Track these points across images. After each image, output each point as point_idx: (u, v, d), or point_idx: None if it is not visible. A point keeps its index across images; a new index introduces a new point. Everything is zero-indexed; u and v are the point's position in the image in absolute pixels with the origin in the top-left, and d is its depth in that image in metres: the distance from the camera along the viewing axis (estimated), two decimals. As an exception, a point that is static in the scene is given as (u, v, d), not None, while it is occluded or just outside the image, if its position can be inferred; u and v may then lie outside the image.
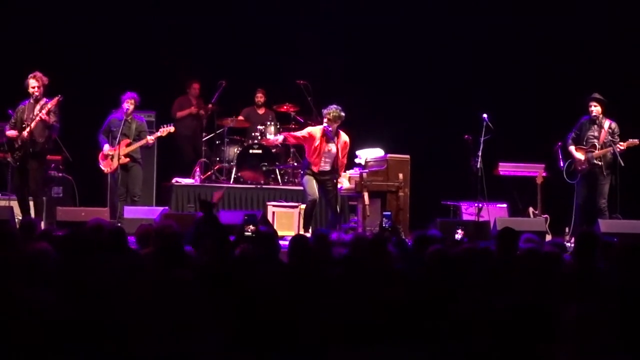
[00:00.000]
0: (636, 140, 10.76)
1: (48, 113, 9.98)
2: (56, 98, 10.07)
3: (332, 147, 10.28)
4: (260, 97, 13.43)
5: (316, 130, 10.34)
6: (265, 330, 4.12)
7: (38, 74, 10.12)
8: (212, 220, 5.81)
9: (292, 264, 5.57)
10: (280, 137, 10.90)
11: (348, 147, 10.50)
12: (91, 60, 13.02)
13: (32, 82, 10.08)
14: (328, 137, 10.25)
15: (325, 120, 10.24)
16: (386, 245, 5.98)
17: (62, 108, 10.21)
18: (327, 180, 10.33)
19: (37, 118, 10.00)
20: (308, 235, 9.91)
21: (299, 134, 10.59)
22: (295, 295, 4.51)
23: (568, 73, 13.17)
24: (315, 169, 10.28)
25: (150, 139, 10.95)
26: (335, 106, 10.25)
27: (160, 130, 11.20)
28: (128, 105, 10.86)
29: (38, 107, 10.09)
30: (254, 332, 4.13)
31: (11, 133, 10.14)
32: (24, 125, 10.07)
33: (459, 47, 13.77)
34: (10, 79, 10.88)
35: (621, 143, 10.74)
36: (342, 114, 10.22)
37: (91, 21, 13.12)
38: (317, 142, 10.26)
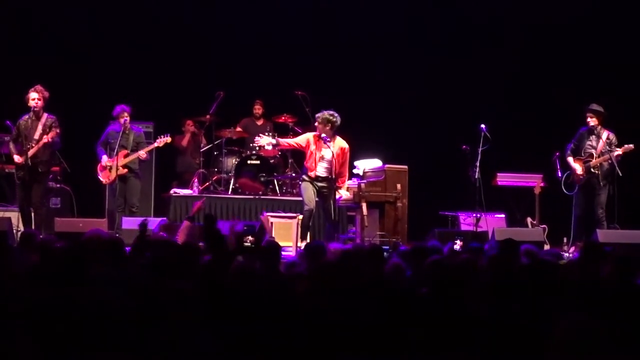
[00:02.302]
0: (631, 146, 10.80)
1: (52, 136, 10.07)
2: (55, 131, 10.08)
3: (327, 152, 10.25)
4: (258, 109, 13.47)
5: (311, 136, 10.39)
6: (267, 339, 4.12)
7: (39, 87, 10.13)
8: (213, 234, 5.78)
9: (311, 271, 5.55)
10: (273, 141, 10.86)
11: (346, 155, 10.42)
12: (89, 71, 13.04)
13: (33, 95, 10.11)
14: (322, 141, 10.25)
15: (316, 124, 10.29)
16: (383, 255, 5.99)
17: (61, 123, 10.24)
18: (323, 187, 10.33)
19: (42, 142, 10.06)
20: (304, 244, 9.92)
21: (293, 140, 10.67)
22: (301, 303, 4.52)
23: (566, 83, 13.21)
24: (312, 174, 10.29)
25: (142, 153, 10.93)
26: (327, 111, 10.24)
27: (157, 141, 11.21)
28: (124, 118, 10.88)
29: (40, 125, 10.12)
30: (254, 341, 4.13)
31: (18, 159, 10.16)
32: (28, 146, 10.10)
33: (457, 57, 13.79)
34: (8, 92, 10.89)
35: (617, 150, 10.78)
36: (333, 118, 10.16)
37: (89, 32, 13.15)
38: (313, 147, 10.29)
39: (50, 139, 10.02)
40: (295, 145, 10.55)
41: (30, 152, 10.06)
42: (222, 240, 5.76)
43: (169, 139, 11.26)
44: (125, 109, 10.90)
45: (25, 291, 4.56)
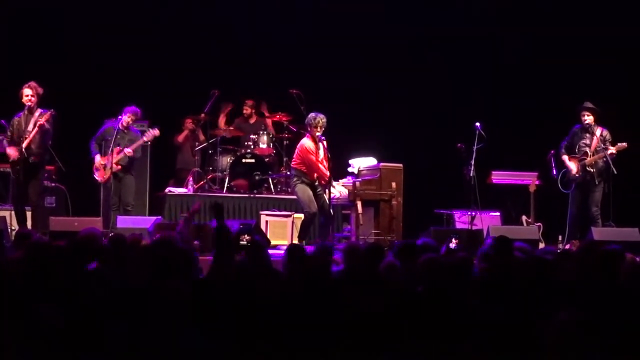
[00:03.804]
0: (625, 144, 10.82)
1: (45, 121, 10.06)
2: (49, 112, 10.09)
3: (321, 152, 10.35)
4: (247, 109, 13.46)
5: (312, 145, 10.34)
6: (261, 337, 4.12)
7: (33, 84, 10.15)
8: (219, 228, 5.72)
9: (290, 273, 5.57)
10: (338, 187, 10.81)
11: (300, 149, 10.41)
12: (85, 69, 13.00)
13: (27, 91, 10.12)
14: (321, 142, 10.33)
15: (315, 129, 10.24)
16: (381, 254, 5.99)
17: (56, 119, 10.25)
18: (317, 186, 10.38)
19: (36, 129, 10.04)
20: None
21: (320, 159, 10.34)
22: (291, 302, 4.52)
23: (561, 81, 13.22)
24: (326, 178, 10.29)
25: (127, 151, 10.90)
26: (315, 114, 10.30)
27: (146, 134, 11.15)
28: (128, 118, 10.87)
29: (33, 119, 10.12)
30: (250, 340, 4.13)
31: (11, 152, 10.16)
32: (21, 139, 10.10)
33: (453, 55, 13.79)
34: (4, 90, 10.88)
35: (611, 148, 10.80)
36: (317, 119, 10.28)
37: (86, 31, 13.12)
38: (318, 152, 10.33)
39: (44, 122, 10.01)
40: (321, 160, 10.35)
41: (25, 143, 10.06)
42: (230, 242, 5.71)
43: (157, 132, 11.19)
44: (135, 111, 10.90)
45: (19, 289, 4.56)
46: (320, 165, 10.23)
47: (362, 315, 4.15)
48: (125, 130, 10.95)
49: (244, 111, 13.49)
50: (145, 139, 11.13)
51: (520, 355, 4.15)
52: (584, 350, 3.46)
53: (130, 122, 10.95)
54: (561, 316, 3.58)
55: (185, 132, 13.37)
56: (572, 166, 11.01)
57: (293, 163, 10.54)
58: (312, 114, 10.32)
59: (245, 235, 5.78)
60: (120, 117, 10.90)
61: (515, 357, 4.16)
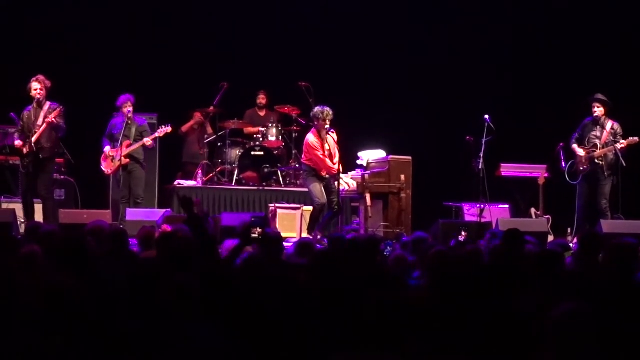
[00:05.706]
0: (636, 139, 10.77)
1: (55, 117, 10.10)
2: (58, 108, 10.14)
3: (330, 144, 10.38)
4: (262, 99, 13.43)
5: (316, 140, 10.36)
6: (267, 336, 4.12)
7: (40, 77, 10.19)
8: (193, 222, 5.56)
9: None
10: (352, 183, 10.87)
11: (305, 145, 10.47)
12: (93, 62, 13.03)
13: (35, 85, 10.17)
14: (329, 134, 10.35)
15: (322, 122, 10.25)
16: (379, 246, 5.98)
17: (66, 114, 10.29)
18: (327, 179, 10.39)
19: (45, 124, 10.09)
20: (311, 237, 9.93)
21: (324, 151, 10.41)
22: (300, 299, 4.52)
23: (569, 73, 13.18)
24: (334, 171, 10.31)
25: (147, 140, 10.92)
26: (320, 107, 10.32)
27: (158, 131, 11.17)
28: (127, 108, 10.88)
29: (42, 113, 10.17)
30: (256, 336, 4.13)
31: (18, 143, 10.22)
32: (31, 133, 10.15)
33: (461, 49, 13.77)
34: (13, 83, 10.92)
35: (622, 142, 10.75)
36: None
37: (92, 23, 13.14)
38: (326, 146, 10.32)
39: (53, 119, 10.05)
40: (328, 153, 10.41)
41: (35, 137, 10.11)
42: (203, 226, 5.58)
43: (169, 129, 11.22)
44: (129, 98, 10.91)
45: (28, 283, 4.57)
46: (326, 160, 10.24)
47: (366, 310, 4.14)
48: (130, 122, 10.95)
49: (259, 101, 13.44)
50: (157, 134, 11.15)
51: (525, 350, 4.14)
52: (582, 345, 3.43)
53: (131, 109, 10.93)
54: (559, 309, 3.55)
55: (190, 123, 13.31)
56: (581, 154, 10.95)
57: (303, 159, 10.61)
58: (318, 108, 10.34)
59: (257, 228, 5.72)
60: (124, 110, 10.90)
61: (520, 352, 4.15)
